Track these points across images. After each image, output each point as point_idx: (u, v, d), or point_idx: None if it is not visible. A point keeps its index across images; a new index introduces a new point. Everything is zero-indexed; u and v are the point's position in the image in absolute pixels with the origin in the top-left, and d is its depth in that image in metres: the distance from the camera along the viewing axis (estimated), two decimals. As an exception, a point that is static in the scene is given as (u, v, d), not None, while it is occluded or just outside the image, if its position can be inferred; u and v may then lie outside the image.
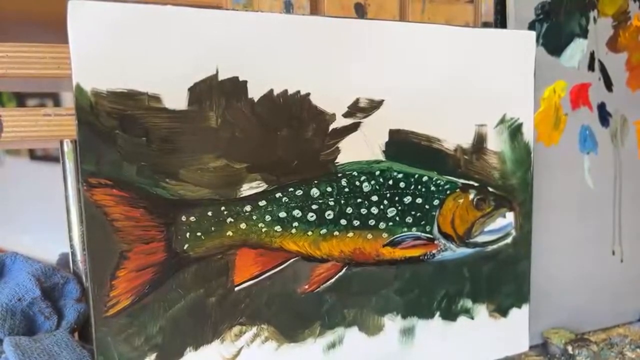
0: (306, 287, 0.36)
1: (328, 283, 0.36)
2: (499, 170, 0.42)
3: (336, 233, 0.36)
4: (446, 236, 0.40)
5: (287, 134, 0.34)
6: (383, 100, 0.37)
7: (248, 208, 0.34)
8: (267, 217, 0.34)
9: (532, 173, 0.43)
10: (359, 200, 0.37)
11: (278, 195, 0.34)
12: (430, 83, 0.38)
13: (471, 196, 0.40)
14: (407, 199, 0.38)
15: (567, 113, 0.48)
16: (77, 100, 0.29)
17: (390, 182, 0.37)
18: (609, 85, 0.50)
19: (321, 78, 0.35)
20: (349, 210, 0.36)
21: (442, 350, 0.41)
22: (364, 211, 0.37)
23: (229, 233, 0.33)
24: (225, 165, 0.33)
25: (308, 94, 0.34)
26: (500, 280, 0.42)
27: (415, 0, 0.44)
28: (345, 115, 0.36)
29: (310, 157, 0.35)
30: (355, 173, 0.36)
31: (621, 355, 0.46)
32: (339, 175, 0.36)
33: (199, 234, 0.33)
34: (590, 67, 0.49)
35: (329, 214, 0.36)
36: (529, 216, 0.43)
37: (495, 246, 0.42)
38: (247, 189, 0.33)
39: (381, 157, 0.37)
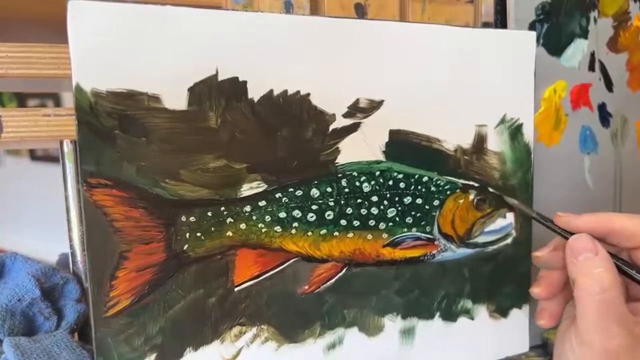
0: (306, 287, 0.36)
1: (328, 283, 0.36)
2: (499, 170, 0.41)
3: (336, 233, 0.36)
4: (446, 237, 0.40)
5: (287, 134, 0.34)
6: (383, 101, 0.37)
7: (248, 208, 0.34)
8: (267, 217, 0.34)
9: (533, 173, 0.43)
10: (359, 200, 0.37)
11: (278, 195, 0.34)
12: (430, 83, 0.38)
13: (471, 197, 0.40)
14: (407, 200, 0.38)
15: (567, 113, 0.48)
16: (76, 100, 0.29)
17: (391, 182, 0.37)
18: (609, 85, 0.50)
19: (321, 78, 0.35)
20: (349, 210, 0.36)
21: (442, 351, 0.41)
22: (364, 212, 0.37)
23: (229, 233, 0.33)
24: (225, 165, 0.33)
25: (308, 94, 0.34)
26: (500, 281, 0.42)
27: (415, 0, 0.44)
28: (345, 116, 0.36)
29: (310, 157, 0.35)
30: (355, 173, 0.36)
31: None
32: (339, 175, 0.36)
33: (198, 234, 0.33)
34: (591, 68, 0.49)
35: (328, 215, 0.36)
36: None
37: (495, 246, 0.42)
38: (247, 189, 0.33)
39: (381, 157, 0.37)
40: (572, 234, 0.34)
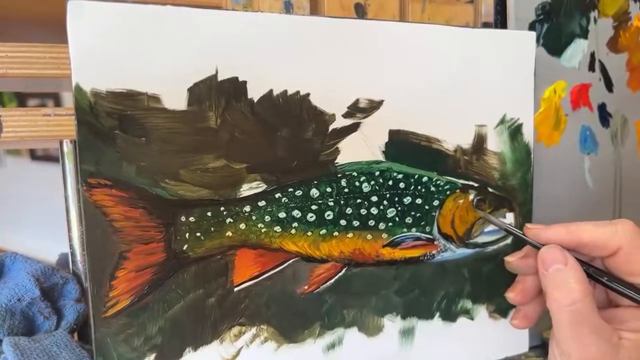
0: (306, 287, 0.36)
1: (328, 283, 0.36)
2: (499, 170, 0.41)
3: (336, 233, 0.36)
4: (446, 237, 0.40)
5: (286, 135, 0.34)
6: (383, 101, 0.37)
7: (247, 208, 0.34)
8: (266, 217, 0.34)
9: (532, 173, 0.43)
10: (359, 200, 0.37)
11: (278, 195, 0.34)
12: (430, 83, 0.38)
13: (471, 197, 0.40)
14: (407, 200, 0.38)
15: (567, 113, 0.48)
16: (76, 100, 0.29)
17: (390, 182, 0.37)
18: (609, 85, 0.50)
19: (321, 78, 0.35)
20: (349, 210, 0.36)
21: (442, 351, 0.41)
22: (363, 212, 0.37)
23: (229, 233, 0.33)
24: (225, 165, 0.33)
25: (308, 94, 0.34)
26: (500, 281, 0.42)
27: (415, 0, 0.44)
28: (345, 116, 0.36)
29: (310, 157, 0.35)
30: (355, 173, 0.36)
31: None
32: (339, 175, 0.36)
33: (198, 234, 0.33)
34: (591, 68, 0.49)
35: (328, 215, 0.36)
36: (529, 216, 0.43)
37: (495, 247, 0.42)
38: (247, 190, 0.33)
39: (381, 157, 0.37)
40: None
